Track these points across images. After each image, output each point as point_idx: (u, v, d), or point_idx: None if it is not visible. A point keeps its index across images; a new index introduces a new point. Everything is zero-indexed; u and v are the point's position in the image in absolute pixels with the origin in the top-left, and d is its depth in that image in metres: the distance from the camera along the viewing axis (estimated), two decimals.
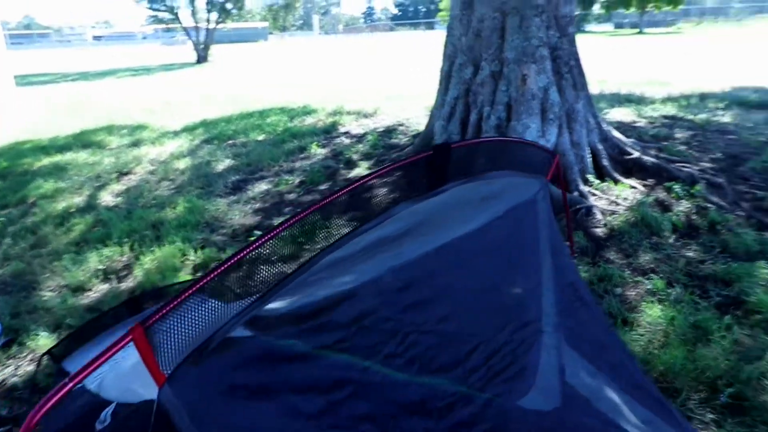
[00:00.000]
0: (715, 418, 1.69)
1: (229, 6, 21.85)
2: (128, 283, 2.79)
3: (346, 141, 5.61)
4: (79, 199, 4.23)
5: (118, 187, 4.57)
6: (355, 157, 4.90)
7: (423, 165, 0.77)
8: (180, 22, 22.45)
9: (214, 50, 22.24)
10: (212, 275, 0.54)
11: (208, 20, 20.95)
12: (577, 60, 3.84)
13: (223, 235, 3.39)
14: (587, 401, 1.16)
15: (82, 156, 5.65)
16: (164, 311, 0.50)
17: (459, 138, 4.01)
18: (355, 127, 6.30)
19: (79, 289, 2.73)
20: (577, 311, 1.03)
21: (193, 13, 21.33)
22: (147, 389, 0.90)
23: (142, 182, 4.67)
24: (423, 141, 4.50)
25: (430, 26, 54.16)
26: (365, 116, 6.92)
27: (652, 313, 2.22)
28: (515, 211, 1.00)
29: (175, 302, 0.50)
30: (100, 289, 2.73)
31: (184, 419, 0.49)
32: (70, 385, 0.44)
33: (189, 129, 6.98)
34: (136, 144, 6.19)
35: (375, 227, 0.72)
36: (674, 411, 1.07)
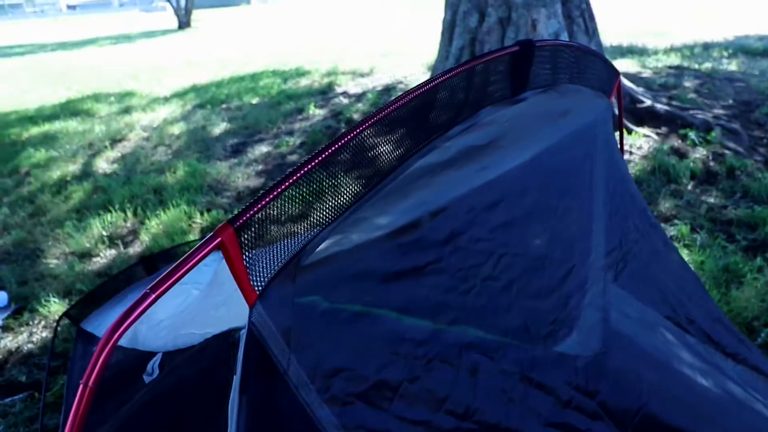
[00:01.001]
0: None
1: None
2: (135, 248, 2.70)
3: (345, 101, 5.44)
4: (74, 167, 4.07)
5: (112, 154, 4.41)
6: (356, 116, 4.75)
7: (507, 65, 0.67)
8: None
9: (196, 16, 21.41)
10: (306, 168, 0.45)
11: None
12: (588, 3, 3.68)
13: (228, 197, 3.29)
14: (633, 342, 1.10)
15: (71, 124, 5.44)
16: (257, 208, 0.40)
17: None
18: (352, 86, 6.11)
19: (86, 255, 2.63)
20: (652, 239, 0.96)
21: None
22: (207, 327, 0.82)
23: (137, 148, 4.51)
24: None
25: None
26: (361, 75, 6.72)
27: None
28: (584, 132, 0.91)
29: (270, 197, 0.41)
30: (107, 255, 2.64)
31: (280, 343, 0.41)
32: (153, 296, 0.35)
33: (179, 94, 6.74)
34: (126, 111, 5.97)
35: (462, 133, 0.63)
36: (751, 345, 1.02)
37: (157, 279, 0.36)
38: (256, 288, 0.41)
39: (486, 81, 0.67)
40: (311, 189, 0.47)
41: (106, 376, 1.30)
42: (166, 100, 6.41)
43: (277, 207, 0.44)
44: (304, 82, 6.73)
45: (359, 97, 5.44)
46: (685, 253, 2.21)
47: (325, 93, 5.94)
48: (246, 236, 0.41)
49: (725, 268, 2.08)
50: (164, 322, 0.89)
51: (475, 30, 3.79)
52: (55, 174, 3.87)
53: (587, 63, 0.88)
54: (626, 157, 3.27)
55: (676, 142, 3.37)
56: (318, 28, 15.01)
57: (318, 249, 0.47)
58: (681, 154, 3.23)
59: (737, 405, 0.87)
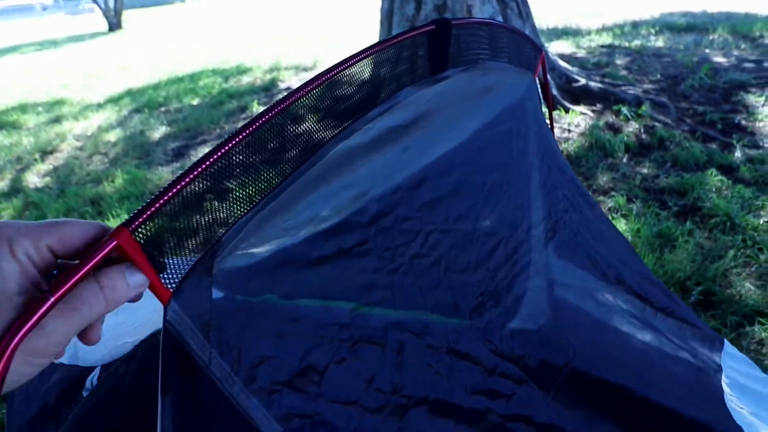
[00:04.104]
0: None
1: None
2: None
3: None
4: (1, 184, 3.82)
5: (43, 167, 4.16)
6: (301, 111, 4.67)
7: (424, 44, 0.68)
8: None
9: (127, 16, 20.42)
10: (215, 156, 0.44)
11: None
12: None
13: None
14: (579, 310, 1.14)
15: None
16: (155, 207, 0.39)
17: None
18: (295, 81, 6.02)
19: None
20: (581, 207, 1.00)
21: None
22: (138, 334, 0.79)
23: (70, 159, 4.27)
24: None
25: None
26: (305, 70, 6.63)
27: (618, 227, 2.28)
28: (513, 107, 0.93)
29: (170, 193, 0.40)
30: None
31: (199, 339, 0.40)
32: (52, 299, 0.33)
33: (114, 100, 6.43)
34: (56, 120, 5.64)
35: (382, 114, 0.63)
36: (679, 299, 1.08)
37: (54, 282, 0.34)
38: (169, 286, 0.40)
39: (403, 61, 0.68)
40: (221, 180, 0.46)
41: (48, 398, 1.22)
42: (100, 106, 6.11)
43: (181, 202, 0.43)
44: (246, 79, 6.57)
45: None
46: (622, 223, 2.32)
47: (268, 89, 5.82)
48: (148, 235, 0.39)
49: (659, 234, 2.20)
50: (104, 336, 0.85)
51: (413, 18, 3.80)
52: None
53: (508, 40, 0.90)
54: (565, 135, 3.39)
55: (610, 118, 3.53)
56: (257, 23, 14.65)
57: (235, 240, 0.46)
58: (615, 129, 3.38)
59: (666, 357, 0.92)
